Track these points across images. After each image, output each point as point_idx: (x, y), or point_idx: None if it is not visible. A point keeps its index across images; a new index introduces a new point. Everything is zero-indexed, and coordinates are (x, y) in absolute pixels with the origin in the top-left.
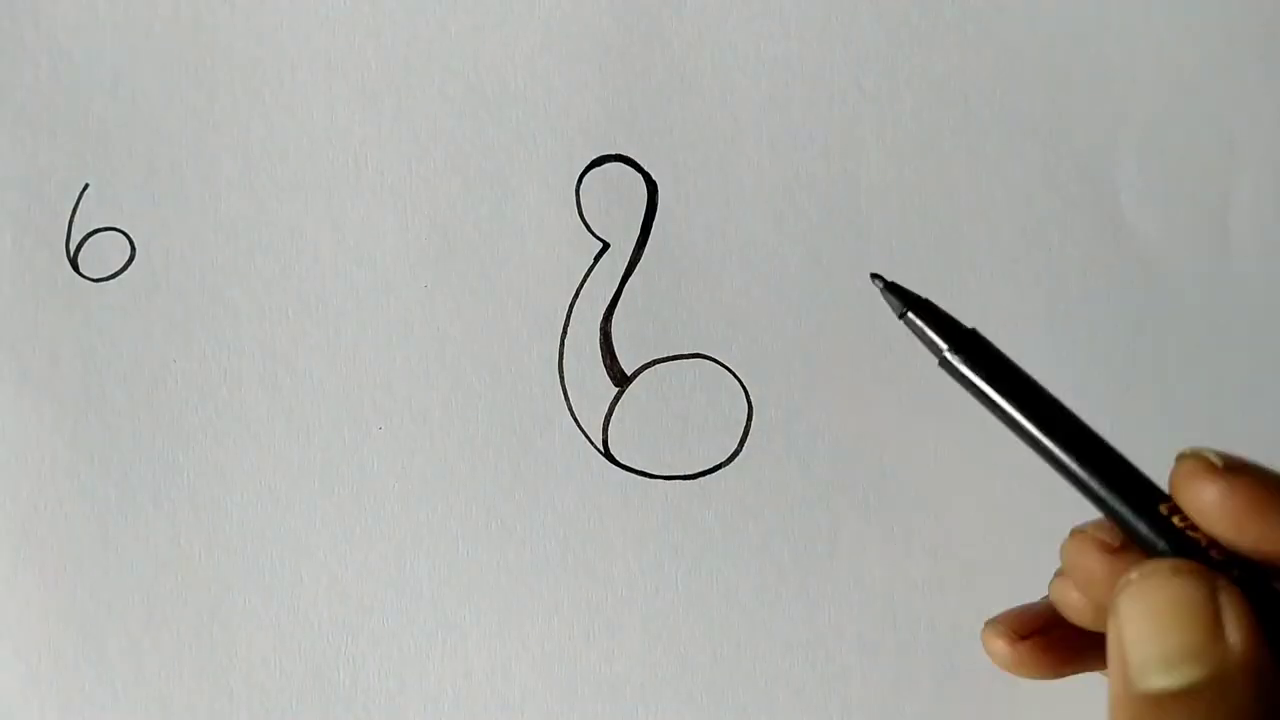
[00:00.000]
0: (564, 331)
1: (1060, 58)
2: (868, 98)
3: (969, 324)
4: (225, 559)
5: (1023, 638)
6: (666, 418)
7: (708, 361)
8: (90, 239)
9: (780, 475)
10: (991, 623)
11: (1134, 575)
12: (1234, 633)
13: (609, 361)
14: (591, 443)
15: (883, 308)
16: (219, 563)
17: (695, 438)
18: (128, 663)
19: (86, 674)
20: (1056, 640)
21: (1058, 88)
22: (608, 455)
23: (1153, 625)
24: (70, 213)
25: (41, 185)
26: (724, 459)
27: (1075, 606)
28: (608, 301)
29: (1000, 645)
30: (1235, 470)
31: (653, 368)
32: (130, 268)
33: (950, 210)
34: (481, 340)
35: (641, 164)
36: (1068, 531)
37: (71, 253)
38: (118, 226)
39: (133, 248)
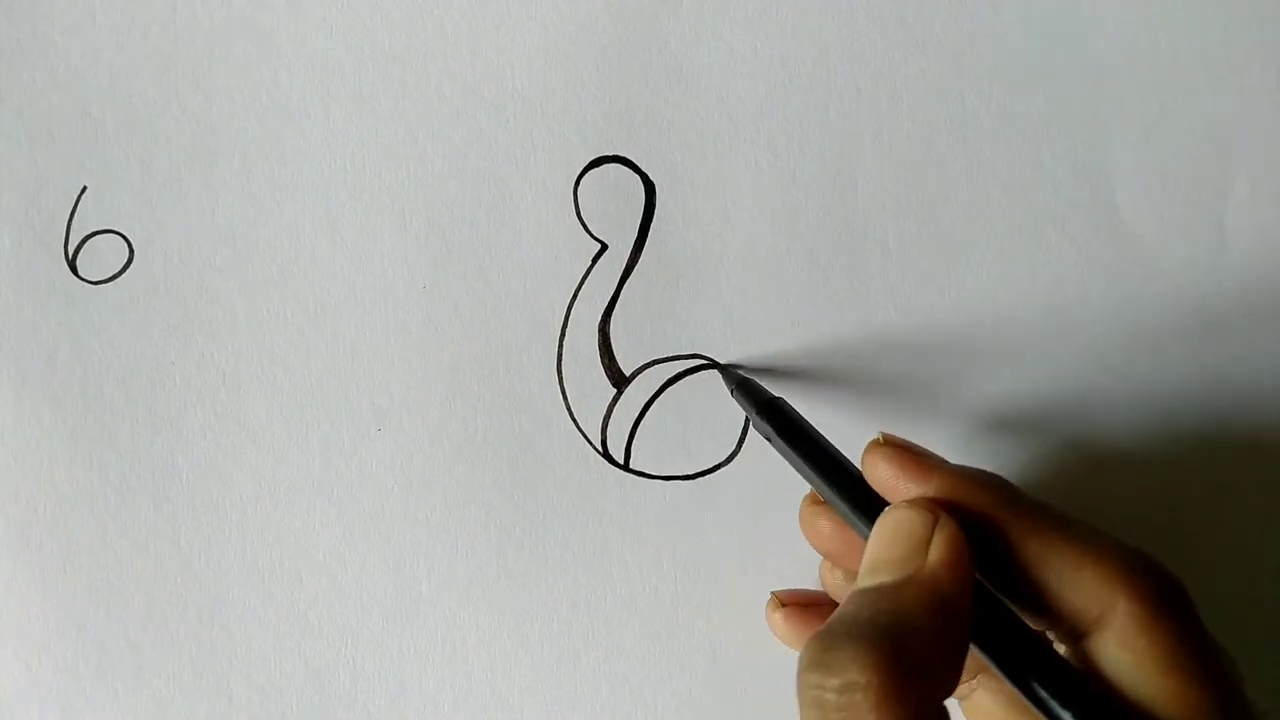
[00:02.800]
0: (562, 332)
1: (1056, 57)
2: (865, 98)
3: (967, 322)
4: (224, 560)
5: (784, 605)
6: (665, 418)
7: (706, 362)
8: (88, 241)
9: (778, 475)
10: (772, 593)
11: (887, 508)
12: (934, 553)
13: (607, 362)
14: (590, 443)
15: (880, 308)
16: (218, 564)
17: (694, 438)
18: (128, 663)
19: (86, 674)
20: (811, 614)
21: (1054, 87)
22: (606, 456)
23: (879, 539)
24: (68, 215)
25: (40, 188)
26: (722, 459)
27: (833, 585)
28: (606, 302)
29: (768, 611)
30: (891, 442)
31: (651, 368)
32: (128, 270)
33: (947, 210)
34: (480, 341)
35: (639, 165)
36: None
37: (70, 255)
38: (116, 229)
39: (131, 250)
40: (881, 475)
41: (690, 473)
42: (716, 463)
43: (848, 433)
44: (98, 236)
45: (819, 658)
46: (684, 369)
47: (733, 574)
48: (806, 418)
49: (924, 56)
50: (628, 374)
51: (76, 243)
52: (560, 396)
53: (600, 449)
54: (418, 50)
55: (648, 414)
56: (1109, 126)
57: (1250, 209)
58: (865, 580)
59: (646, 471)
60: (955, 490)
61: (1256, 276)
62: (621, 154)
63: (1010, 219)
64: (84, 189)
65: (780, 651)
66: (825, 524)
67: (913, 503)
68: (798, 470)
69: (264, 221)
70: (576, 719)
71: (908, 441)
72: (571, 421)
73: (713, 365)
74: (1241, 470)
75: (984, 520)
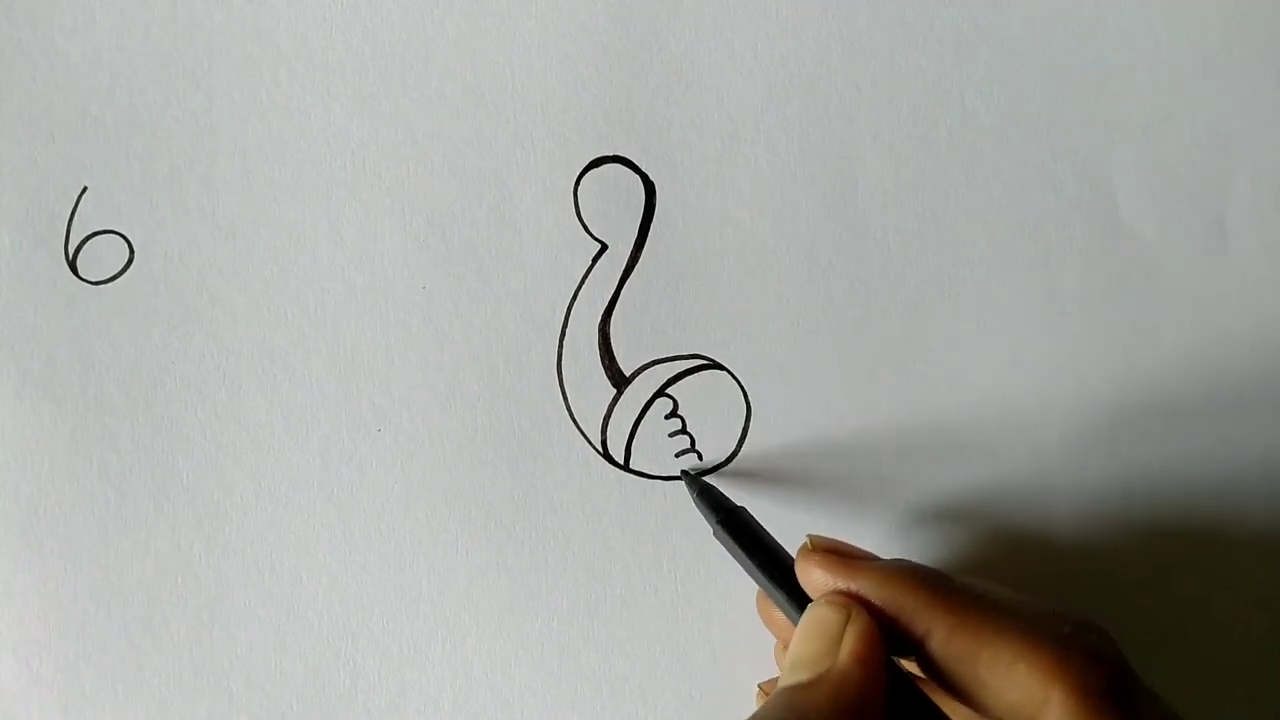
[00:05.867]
0: (562, 333)
1: (1058, 58)
2: (865, 98)
3: (967, 323)
4: (225, 560)
5: (767, 694)
6: (665, 418)
7: (706, 362)
8: (89, 242)
9: (778, 476)
10: (759, 686)
11: (811, 603)
12: (845, 649)
13: (607, 363)
14: (590, 443)
15: (881, 309)
16: (218, 564)
17: (694, 438)
18: (128, 663)
19: (86, 674)
20: None
21: (1055, 88)
22: (606, 456)
23: (800, 636)
24: (69, 216)
25: (40, 188)
26: (722, 459)
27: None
28: (606, 302)
29: (758, 700)
30: (819, 547)
31: (651, 368)
32: (129, 270)
33: (948, 210)
34: (480, 342)
35: (639, 165)
36: (1058, 537)
37: (70, 255)
38: (116, 229)
39: (131, 250)
40: (815, 580)
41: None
42: (715, 463)
43: (850, 437)
44: (98, 236)
45: None
46: (684, 369)
47: (733, 574)
48: (801, 423)
49: (924, 56)
50: (628, 374)
51: (77, 243)
52: (560, 396)
53: (600, 449)
54: (418, 50)
55: (647, 414)
56: (1109, 126)
57: (1251, 209)
58: (785, 679)
59: (646, 471)
60: (882, 587)
61: (1256, 276)
62: (621, 154)
63: (1011, 219)
64: (84, 189)
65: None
66: (779, 616)
67: (829, 598)
68: (748, 572)
69: (264, 221)
70: (576, 719)
71: (835, 542)
72: (571, 421)
73: (713, 365)
74: (1247, 490)
75: (911, 617)
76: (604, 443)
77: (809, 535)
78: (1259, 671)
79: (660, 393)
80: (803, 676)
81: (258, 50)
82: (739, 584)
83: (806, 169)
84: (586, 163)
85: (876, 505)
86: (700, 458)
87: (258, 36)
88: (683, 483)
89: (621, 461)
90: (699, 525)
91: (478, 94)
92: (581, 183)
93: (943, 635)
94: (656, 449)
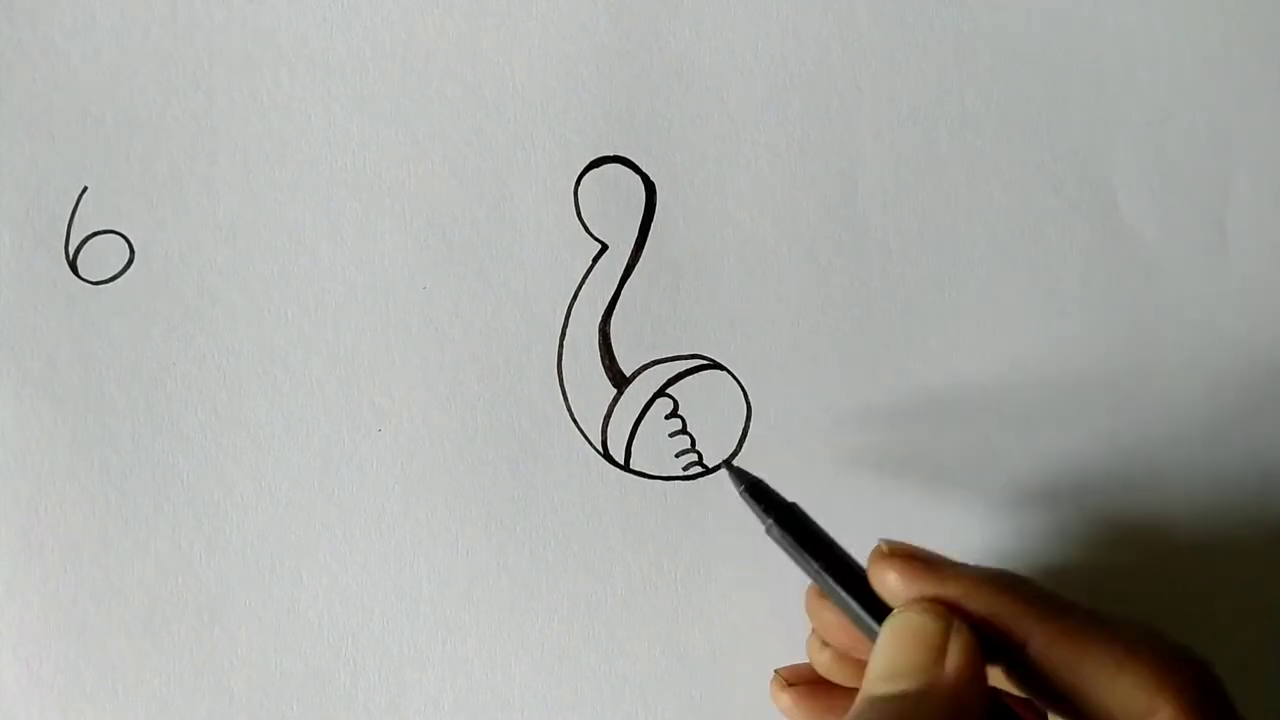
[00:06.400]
0: (563, 333)
1: (1058, 58)
2: (865, 98)
3: (968, 323)
4: (225, 560)
5: (790, 685)
6: (665, 418)
7: (706, 362)
8: (89, 242)
9: (779, 476)
10: (776, 671)
11: (898, 608)
12: (953, 661)
13: (608, 363)
14: (590, 443)
15: (881, 308)
16: (219, 564)
17: (694, 438)
18: (128, 663)
19: (86, 674)
20: (818, 691)
21: (1055, 88)
22: (607, 456)
23: (892, 643)
24: (69, 216)
25: (40, 188)
26: (722, 459)
27: (822, 662)
28: (606, 303)
29: (774, 691)
30: (896, 552)
31: (652, 368)
32: (129, 270)
33: (948, 210)
34: (480, 342)
35: (640, 165)
36: (1062, 531)
37: (70, 255)
38: (116, 229)
39: (131, 250)
40: (892, 585)
41: (690, 473)
42: (716, 463)
43: (851, 437)
44: (98, 236)
45: None
46: (684, 369)
47: (733, 574)
48: (801, 423)
49: (924, 56)
50: (628, 374)
51: (77, 243)
52: (560, 396)
53: (600, 449)
54: (418, 50)
55: (648, 414)
56: (1109, 126)
57: (1250, 209)
58: (883, 686)
59: (646, 471)
60: (977, 593)
61: (1257, 276)
62: (621, 154)
63: (1011, 219)
64: (84, 189)
65: (780, 653)
66: (831, 615)
67: (925, 607)
68: (807, 573)
69: (264, 221)
70: (576, 719)
71: (912, 548)
72: (571, 421)
73: (713, 365)
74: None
75: (1008, 625)
76: (604, 443)
77: (882, 540)
78: (1259, 672)
79: (660, 393)
80: (904, 686)
81: (258, 50)
82: (739, 584)
83: (806, 169)
84: (587, 163)
85: (876, 505)
86: (700, 458)
87: (258, 36)
88: (685, 482)
89: (621, 461)
90: (699, 525)
91: (478, 94)
92: (582, 183)
93: (1042, 643)
94: (657, 449)
